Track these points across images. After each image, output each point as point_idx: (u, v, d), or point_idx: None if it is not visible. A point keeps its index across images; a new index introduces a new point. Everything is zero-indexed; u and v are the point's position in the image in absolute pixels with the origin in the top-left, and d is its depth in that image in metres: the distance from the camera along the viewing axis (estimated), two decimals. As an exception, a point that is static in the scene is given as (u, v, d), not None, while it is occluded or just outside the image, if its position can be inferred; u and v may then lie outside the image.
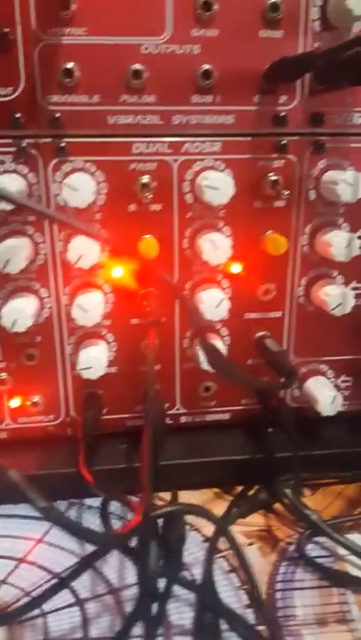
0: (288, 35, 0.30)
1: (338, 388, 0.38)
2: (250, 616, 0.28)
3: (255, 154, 0.32)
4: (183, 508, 0.30)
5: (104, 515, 0.33)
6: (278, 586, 0.29)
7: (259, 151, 0.32)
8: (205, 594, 0.28)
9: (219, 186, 0.30)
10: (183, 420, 0.38)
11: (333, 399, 0.35)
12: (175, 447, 0.37)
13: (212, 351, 0.30)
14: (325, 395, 0.35)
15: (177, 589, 0.29)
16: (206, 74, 0.30)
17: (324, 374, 0.38)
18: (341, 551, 0.32)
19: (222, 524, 0.32)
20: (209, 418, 0.38)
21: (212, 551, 0.30)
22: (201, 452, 0.37)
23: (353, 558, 0.31)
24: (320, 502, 0.36)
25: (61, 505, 0.35)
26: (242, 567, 0.29)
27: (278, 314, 0.36)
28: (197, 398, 0.38)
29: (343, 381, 0.39)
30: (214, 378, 0.37)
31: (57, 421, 0.37)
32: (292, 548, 0.32)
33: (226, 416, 0.38)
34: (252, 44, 0.30)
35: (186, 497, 0.36)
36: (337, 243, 0.32)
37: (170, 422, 0.38)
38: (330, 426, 0.39)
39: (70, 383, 0.36)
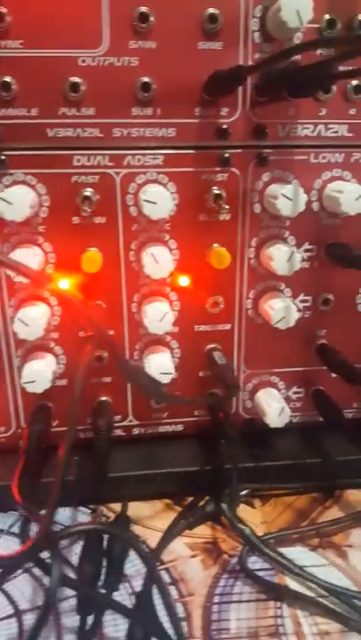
0: (228, 46, 0.31)
1: (290, 399, 0.39)
2: (185, 629, 0.28)
3: (198, 167, 0.33)
4: (94, 528, 0.31)
5: (23, 529, 0.34)
6: (216, 599, 0.30)
7: (202, 164, 0.33)
8: (140, 608, 0.29)
9: (157, 200, 0.30)
10: (136, 431, 0.38)
11: (281, 411, 0.36)
12: (127, 458, 0.37)
13: (127, 367, 0.30)
14: (273, 407, 0.36)
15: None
16: (145, 86, 0.30)
17: (275, 386, 0.39)
18: (286, 563, 0.32)
19: (166, 536, 0.33)
20: (162, 429, 0.39)
21: (153, 565, 0.31)
22: (152, 463, 0.37)
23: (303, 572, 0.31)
24: (270, 513, 0.36)
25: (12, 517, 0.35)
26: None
27: (228, 326, 0.37)
28: (149, 410, 0.38)
29: (295, 393, 0.39)
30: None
31: (8, 433, 0.37)
32: (234, 560, 0.32)
33: (179, 427, 0.39)
34: (192, 56, 0.30)
35: (136, 508, 0.36)
36: (278, 257, 0.32)
37: (122, 434, 0.38)
38: (283, 437, 0.39)
39: (20, 395, 0.36)
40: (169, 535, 0.34)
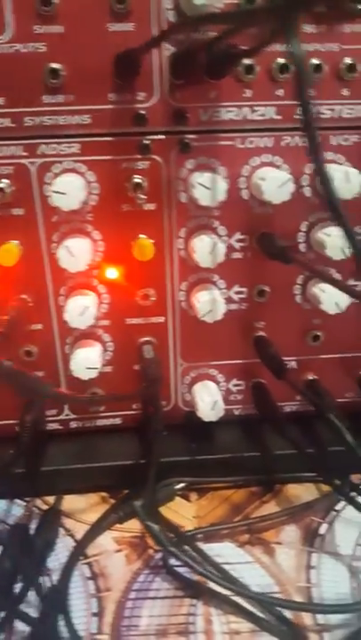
0: (140, 27, 0.30)
1: (230, 392, 0.39)
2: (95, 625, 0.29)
3: (117, 155, 0.32)
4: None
5: None
6: (132, 595, 0.30)
7: (121, 152, 0.32)
8: (53, 601, 0.29)
9: (66, 190, 0.30)
10: (73, 425, 0.38)
11: (213, 405, 0.35)
12: (63, 452, 0.38)
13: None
14: (205, 400, 0.36)
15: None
16: (53, 73, 0.30)
17: (213, 379, 0.38)
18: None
19: (93, 530, 0.34)
20: (100, 423, 0.39)
21: (74, 558, 0.31)
22: (88, 456, 0.37)
23: (213, 569, 0.31)
24: (204, 507, 0.36)
25: None
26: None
27: (161, 319, 0.36)
28: (85, 404, 0.38)
29: (235, 385, 0.39)
30: (100, 384, 0.37)
31: None
32: (158, 556, 0.33)
33: (117, 420, 0.39)
34: (102, 39, 0.29)
35: (71, 501, 0.37)
36: (200, 248, 0.32)
37: (59, 428, 0.38)
38: (224, 429, 0.39)
39: None
40: (97, 529, 0.34)
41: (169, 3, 0.29)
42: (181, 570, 0.31)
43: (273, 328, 0.37)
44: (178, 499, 0.37)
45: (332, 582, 0.31)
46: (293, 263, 0.32)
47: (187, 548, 0.31)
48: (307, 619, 0.28)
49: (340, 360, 0.38)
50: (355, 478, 0.38)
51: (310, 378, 0.38)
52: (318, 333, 0.37)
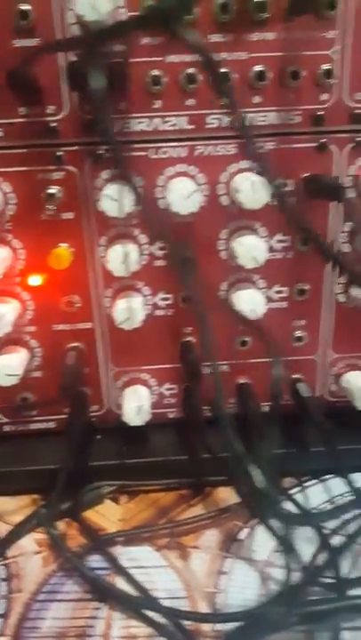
0: (46, 42, 0.30)
1: (163, 396, 0.39)
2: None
3: (32, 166, 0.32)
4: None
5: None
6: (41, 597, 0.31)
7: (36, 164, 0.32)
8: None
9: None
10: (7, 428, 0.39)
11: (139, 410, 0.36)
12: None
13: None
14: (131, 406, 0.36)
15: None
16: None
17: (145, 383, 0.38)
18: (124, 563, 0.33)
19: (16, 531, 0.34)
20: (33, 426, 0.39)
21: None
22: (17, 459, 0.38)
23: (134, 573, 0.32)
24: (131, 510, 0.37)
25: None
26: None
27: (88, 325, 0.36)
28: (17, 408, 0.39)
29: (168, 389, 0.39)
30: (31, 389, 0.38)
31: None
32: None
33: (51, 424, 0.39)
34: (8, 55, 0.30)
35: (2, 502, 0.37)
36: (113, 258, 0.32)
37: (-6, 431, 0.39)
38: (158, 433, 0.39)
39: None
40: (20, 530, 0.35)
41: (72, 17, 0.29)
42: (99, 572, 0.32)
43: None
44: (108, 501, 0.37)
45: (240, 588, 0.31)
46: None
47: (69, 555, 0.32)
48: (205, 626, 0.29)
49: (269, 364, 0.38)
50: (286, 482, 0.38)
51: (241, 382, 0.39)
52: (246, 339, 0.37)
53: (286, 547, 0.27)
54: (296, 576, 0.28)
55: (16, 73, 0.28)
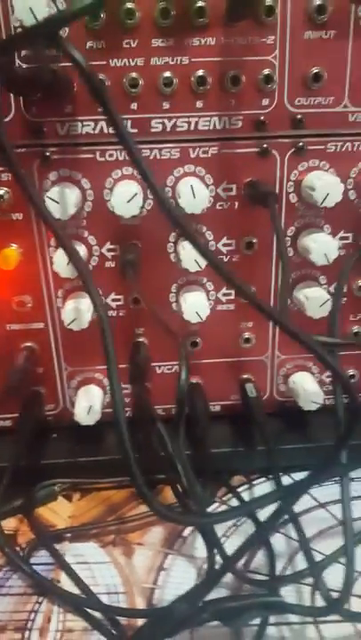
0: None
1: (116, 394, 0.39)
2: None
3: (-20, 168, 0.33)
4: None
5: None
6: (-15, 592, 0.31)
7: (-17, 165, 0.32)
8: None
9: None
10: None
11: (89, 409, 0.36)
12: None
13: None
14: (81, 405, 0.36)
15: None
16: None
17: (100, 383, 0.39)
18: (69, 559, 0.33)
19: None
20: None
21: None
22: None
23: (77, 568, 0.32)
24: (81, 507, 0.37)
25: None
26: None
27: (41, 325, 0.37)
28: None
29: (123, 389, 0.39)
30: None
31: None
32: (22, 554, 0.33)
33: (7, 422, 0.40)
34: None
35: None
36: (59, 260, 0.32)
37: None
38: (111, 432, 0.39)
39: None
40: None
41: (16, 21, 0.30)
42: (40, 568, 0.32)
43: (152, 334, 0.37)
44: (60, 499, 0.38)
45: (177, 584, 0.31)
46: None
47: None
48: (140, 620, 0.29)
49: (221, 364, 0.39)
50: (236, 480, 0.38)
51: (193, 382, 0.39)
52: (196, 339, 0.38)
53: (207, 541, 0.27)
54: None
55: None
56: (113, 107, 0.22)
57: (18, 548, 0.34)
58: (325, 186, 0.31)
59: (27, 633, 0.29)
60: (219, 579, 0.27)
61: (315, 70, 0.31)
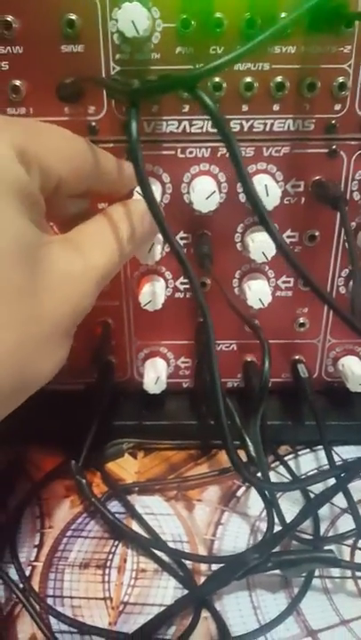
0: (89, 48, 0.31)
1: (178, 368, 0.41)
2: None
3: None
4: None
5: None
6: (68, 533, 0.35)
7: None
8: (4, 532, 0.34)
9: None
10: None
11: (157, 380, 0.38)
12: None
13: None
14: (150, 376, 0.39)
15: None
16: (15, 88, 0.32)
17: (164, 356, 0.41)
18: (138, 510, 0.36)
19: (48, 477, 0.38)
20: (67, 387, 0.42)
21: (27, 499, 0.36)
22: (53, 416, 0.41)
23: (146, 518, 0.35)
24: (146, 465, 0.40)
25: None
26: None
27: (116, 302, 0.39)
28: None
29: (183, 362, 0.41)
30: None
31: None
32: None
33: (81, 387, 0.42)
34: (55, 59, 0.31)
35: (36, 451, 0.41)
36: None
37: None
38: (172, 400, 0.42)
39: None
40: (52, 477, 0.38)
41: (114, 27, 0.31)
42: (117, 516, 0.35)
43: (216, 315, 0.39)
44: (127, 456, 0.41)
45: (233, 537, 0.34)
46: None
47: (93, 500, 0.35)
48: (203, 566, 0.32)
49: (276, 345, 0.40)
50: (282, 450, 0.41)
51: (248, 359, 0.41)
52: (255, 322, 0.39)
53: (267, 505, 0.30)
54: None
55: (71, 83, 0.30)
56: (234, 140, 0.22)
57: (93, 499, 0.37)
58: (389, 188, 0.32)
59: (107, 570, 0.32)
60: (283, 538, 0.30)
61: (387, 79, 0.32)
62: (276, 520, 0.32)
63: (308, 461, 0.40)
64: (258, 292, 0.35)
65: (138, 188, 0.32)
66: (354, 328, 0.28)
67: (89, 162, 0.28)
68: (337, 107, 0.33)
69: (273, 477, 0.38)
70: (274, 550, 0.28)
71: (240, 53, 0.21)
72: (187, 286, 0.38)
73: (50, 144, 0.26)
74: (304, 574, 0.31)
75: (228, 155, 0.22)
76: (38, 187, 0.25)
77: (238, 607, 0.30)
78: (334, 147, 0.34)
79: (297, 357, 0.41)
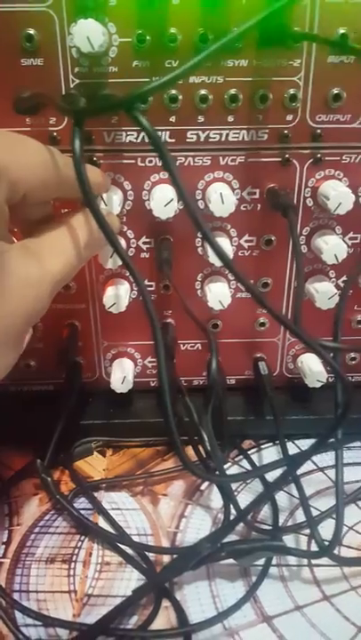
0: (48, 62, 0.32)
1: (146, 367, 0.42)
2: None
3: None
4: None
5: None
6: (36, 529, 0.35)
7: None
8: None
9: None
10: (12, 389, 0.43)
11: (123, 380, 0.39)
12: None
13: None
14: (117, 376, 0.39)
15: None
16: None
17: (131, 356, 0.42)
18: (105, 506, 0.37)
19: (17, 476, 0.38)
20: (35, 388, 0.43)
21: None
22: (21, 416, 0.42)
23: (112, 513, 0.36)
24: (114, 462, 0.41)
25: None
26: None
27: (83, 305, 0.39)
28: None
29: (150, 362, 0.42)
30: (34, 357, 0.41)
31: None
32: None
33: (50, 387, 0.43)
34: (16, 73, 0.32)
35: (6, 452, 0.41)
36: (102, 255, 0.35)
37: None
38: (140, 398, 0.43)
39: None
40: (20, 476, 0.39)
41: (72, 41, 0.31)
42: (83, 512, 0.36)
43: (179, 316, 0.40)
44: (96, 454, 0.41)
45: (196, 529, 0.35)
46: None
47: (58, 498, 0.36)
48: (166, 557, 0.33)
49: (238, 344, 0.41)
50: (246, 444, 0.42)
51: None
52: (217, 322, 0.40)
53: (224, 497, 0.31)
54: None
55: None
56: (170, 158, 0.23)
57: (59, 497, 0.38)
58: (338, 196, 0.33)
59: (72, 564, 0.33)
60: (234, 527, 0.30)
61: (335, 91, 0.33)
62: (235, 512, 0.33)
63: (270, 454, 0.41)
64: (218, 295, 0.36)
65: (104, 195, 0.33)
66: (298, 337, 0.28)
67: (56, 172, 0.29)
68: (289, 117, 0.34)
69: (236, 470, 0.39)
70: (227, 540, 0.29)
71: (177, 75, 0.22)
72: (151, 289, 0.39)
73: (19, 157, 0.27)
74: (261, 563, 0.32)
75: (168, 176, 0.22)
76: (5, 199, 0.25)
77: (198, 596, 0.31)
78: (287, 155, 0.35)
79: (259, 355, 0.42)
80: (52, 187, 0.29)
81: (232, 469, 0.39)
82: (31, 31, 0.31)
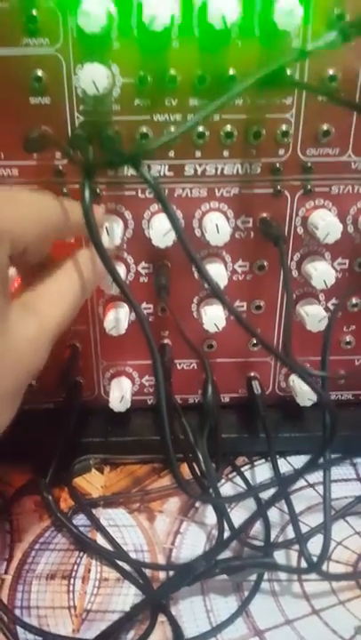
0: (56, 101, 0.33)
1: (143, 386, 0.43)
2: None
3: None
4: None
5: None
6: (36, 546, 0.36)
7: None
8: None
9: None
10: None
11: (121, 399, 0.40)
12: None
13: None
14: (115, 395, 0.40)
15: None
16: (-16, 135, 0.33)
17: (129, 375, 0.43)
18: (102, 522, 0.37)
19: (18, 494, 0.39)
20: (36, 407, 0.44)
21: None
22: (22, 434, 0.42)
23: (109, 530, 0.37)
24: (112, 479, 0.41)
25: None
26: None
27: (84, 327, 0.41)
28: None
29: (147, 380, 0.43)
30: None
31: None
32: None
33: (51, 405, 0.44)
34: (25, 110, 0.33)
35: (6, 470, 0.42)
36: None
37: None
38: (137, 416, 0.43)
39: None
40: (21, 494, 0.39)
41: (78, 81, 0.32)
42: (81, 529, 0.37)
43: (175, 338, 0.41)
44: (94, 471, 0.42)
45: (191, 546, 0.36)
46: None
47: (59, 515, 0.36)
48: (162, 573, 0.34)
49: (232, 363, 0.43)
50: (239, 460, 0.43)
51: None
52: (212, 342, 0.41)
53: (218, 515, 0.32)
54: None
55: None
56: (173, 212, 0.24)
57: (59, 514, 0.38)
58: (327, 226, 0.35)
59: (72, 580, 0.34)
60: (227, 545, 0.31)
61: (325, 127, 0.34)
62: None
63: (262, 471, 0.42)
64: (213, 317, 0.37)
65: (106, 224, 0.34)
66: (289, 366, 0.30)
67: (57, 222, 0.29)
68: (281, 151, 0.35)
69: (230, 487, 0.40)
70: (221, 557, 0.30)
71: (180, 132, 0.24)
72: (149, 311, 0.40)
73: (21, 215, 0.27)
74: (253, 578, 0.33)
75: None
76: (7, 258, 0.25)
77: (192, 611, 0.32)
78: (279, 187, 0.36)
79: (252, 374, 0.43)
80: (51, 236, 0.29)
81: (226, 486, 0.40)
82: (39, 72, 0.32)
